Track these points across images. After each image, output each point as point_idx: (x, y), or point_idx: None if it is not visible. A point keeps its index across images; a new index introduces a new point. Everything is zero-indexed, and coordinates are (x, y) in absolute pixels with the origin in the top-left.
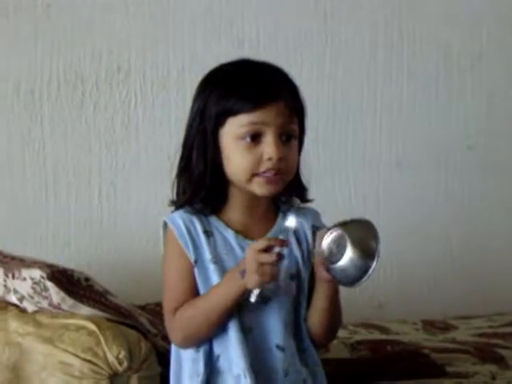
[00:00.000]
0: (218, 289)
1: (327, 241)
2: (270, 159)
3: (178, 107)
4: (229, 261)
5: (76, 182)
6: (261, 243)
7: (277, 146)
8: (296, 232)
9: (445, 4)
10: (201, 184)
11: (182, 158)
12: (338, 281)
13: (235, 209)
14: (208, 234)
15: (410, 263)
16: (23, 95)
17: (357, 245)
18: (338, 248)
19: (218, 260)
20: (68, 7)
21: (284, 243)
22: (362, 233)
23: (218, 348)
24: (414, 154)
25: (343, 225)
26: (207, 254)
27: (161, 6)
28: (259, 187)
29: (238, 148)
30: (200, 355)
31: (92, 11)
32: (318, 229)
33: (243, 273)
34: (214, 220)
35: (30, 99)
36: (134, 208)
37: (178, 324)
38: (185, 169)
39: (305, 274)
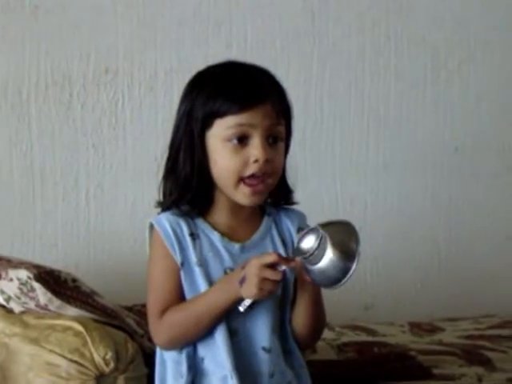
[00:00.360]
0: (210, 293)
1: (307, 242)
2: (256, 161)
3: (165, 108)
4: (214, 263)
5: (63, 182)
6: (269, 258)
7: (263, 148)
8: (281, 233)
9: (432, 5)
10: (187, 186)
11: (168, 160)
12: (317, 282)
13: (221, 211)
14: (194, 236)
15: (397, 265)
16: (11, 96)
17: (337, 246)
18: (318, 249)
19: (203, 263)
20: (56, 8)
21: (292, 263)
22: (342, 234)
23: (202, 350)
24: (401, 156)
25: (324, 226)
26: (193, 257)
27: (149, 8)
28: (244, 197)
29: (225, 150)
30: (183, 357)
31: (80, 12)
32: (301, 230)
33: (242, 281)
34: (200, 222)
35: (17, 100)
36: (121, 209)
37: (164, 327)
38: (171, 170)
39: (290, 276)
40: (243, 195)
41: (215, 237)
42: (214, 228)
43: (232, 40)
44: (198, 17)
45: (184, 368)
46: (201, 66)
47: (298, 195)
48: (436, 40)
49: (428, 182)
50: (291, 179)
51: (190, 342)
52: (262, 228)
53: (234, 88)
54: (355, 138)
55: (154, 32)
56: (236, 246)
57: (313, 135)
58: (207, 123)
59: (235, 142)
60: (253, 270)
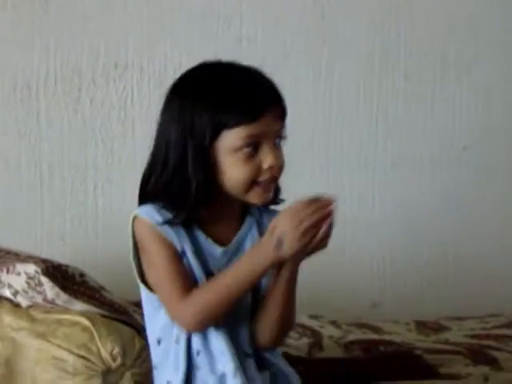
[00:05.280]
0: (240, 266)
1: None
2: (271, 168)
3: None
4: (198, 263)
5: (71, 177)
6: (306, 201)
7: (275, 154)
8: (262, 234)
9: (442, 5)
10: (196, 198)
11: (162, 172)
12: None
13: (211, 213)
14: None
15: (404, 263)
16: (20, 90)
17: None
18: None
19: (197, 254)
20: (66, 2)
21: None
22: None
23: (197, 344)
24: (409, 155)
25: None
26: (190, 246)
27: (159, 2)
28: (257, 197)
29: (235, 160)
30: (180, 348)
31: (90, 7)
32: None
33: (279, 244)
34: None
35: (26, 94)
36: (129, 203)
37: (192, 308)
38: (178, 179)
39: (264, 280)
40: (257, 195)
41: (201, 237)
42: (200, 227)
43: (242, 36)
44: (208, 12)
45: (181, 359)
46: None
47: (305, 193)
48: (445, 39)
49: (436, 180)
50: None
51: (219, 318)
52: (244, 229)
53: (240, 98)
54: (363, 136)
55: (163, 27)
56: (219, 250)
57: (321, 133)
58: (213, 135)
59: (246, 151)
60: (293, 218)
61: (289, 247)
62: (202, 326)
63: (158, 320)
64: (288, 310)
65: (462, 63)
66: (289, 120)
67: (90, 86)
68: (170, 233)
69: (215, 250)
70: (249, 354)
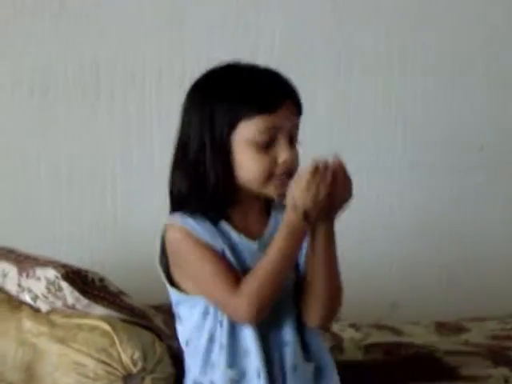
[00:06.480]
0: (279, 243)
1: None
2: (284, 162)
3: None
4: (236, 261)
5: (90, 184)
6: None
7: (289, 150)
8: None
9: (460, 11)
10: (217, 193)
11: (192, 167)
12: None
13: (238, 210)
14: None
15: (423, 265)
16: (37, 99)
17: None
18: None
19: (234, 254)
20: (83, 9)
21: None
22: None
23: (223, 338)
24: (427, 156)
25: None
26: (227, 246)
27: (177, 10)
28: (275, 188)
29: (252, 152)
30: (216, 345)
31: (107, 14)
32: None
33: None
34: (222, 223)
35: (44, 103)
36: (147, 212)
37: (246, 300)
38: (196, 177)
39: (300, 261)
40: (274, 187)
41: (235, 236)
42: (233, 227)
43: (259, 43)
44: (225, 20)
45: (217, 357)
46: None
47: None
48: (463, 40)
49: (454, 181)
50: None
51: (272, 303)
52: (272, 222)
53: (259, 90)
54: (382, 137)
55: (181, 35)
56: (255, 245)
57: (340, 135)
58: (231, 127)
59: (263, 144)
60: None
61: (301, 201)
62: (260, 314)
63: (191, 320)
64: (332, 279)
65: (481, 64)
66: (307, 124)
67: (108, 95)
68: (206, 235)
69: (251, 245)
70: (288, 342)
